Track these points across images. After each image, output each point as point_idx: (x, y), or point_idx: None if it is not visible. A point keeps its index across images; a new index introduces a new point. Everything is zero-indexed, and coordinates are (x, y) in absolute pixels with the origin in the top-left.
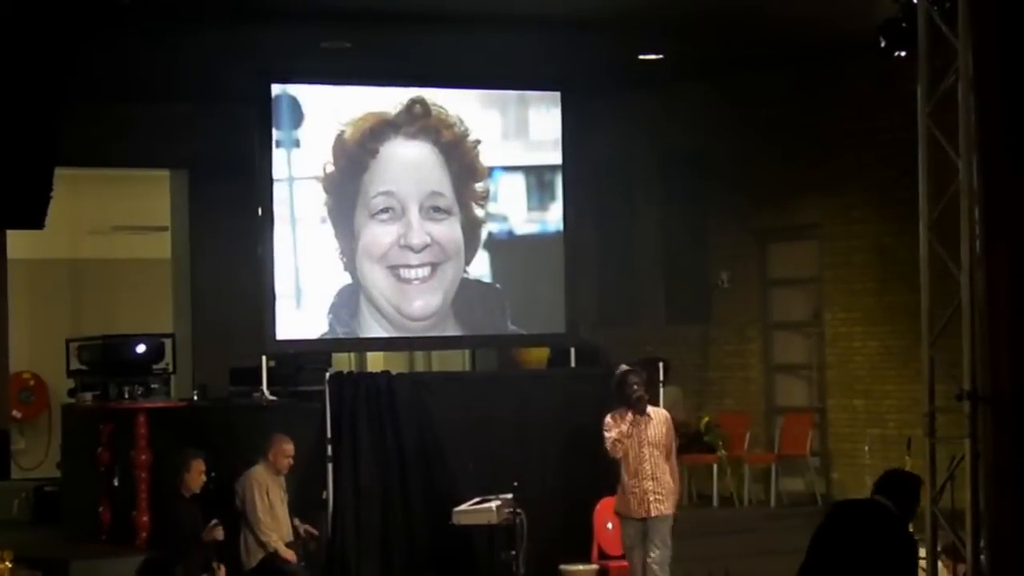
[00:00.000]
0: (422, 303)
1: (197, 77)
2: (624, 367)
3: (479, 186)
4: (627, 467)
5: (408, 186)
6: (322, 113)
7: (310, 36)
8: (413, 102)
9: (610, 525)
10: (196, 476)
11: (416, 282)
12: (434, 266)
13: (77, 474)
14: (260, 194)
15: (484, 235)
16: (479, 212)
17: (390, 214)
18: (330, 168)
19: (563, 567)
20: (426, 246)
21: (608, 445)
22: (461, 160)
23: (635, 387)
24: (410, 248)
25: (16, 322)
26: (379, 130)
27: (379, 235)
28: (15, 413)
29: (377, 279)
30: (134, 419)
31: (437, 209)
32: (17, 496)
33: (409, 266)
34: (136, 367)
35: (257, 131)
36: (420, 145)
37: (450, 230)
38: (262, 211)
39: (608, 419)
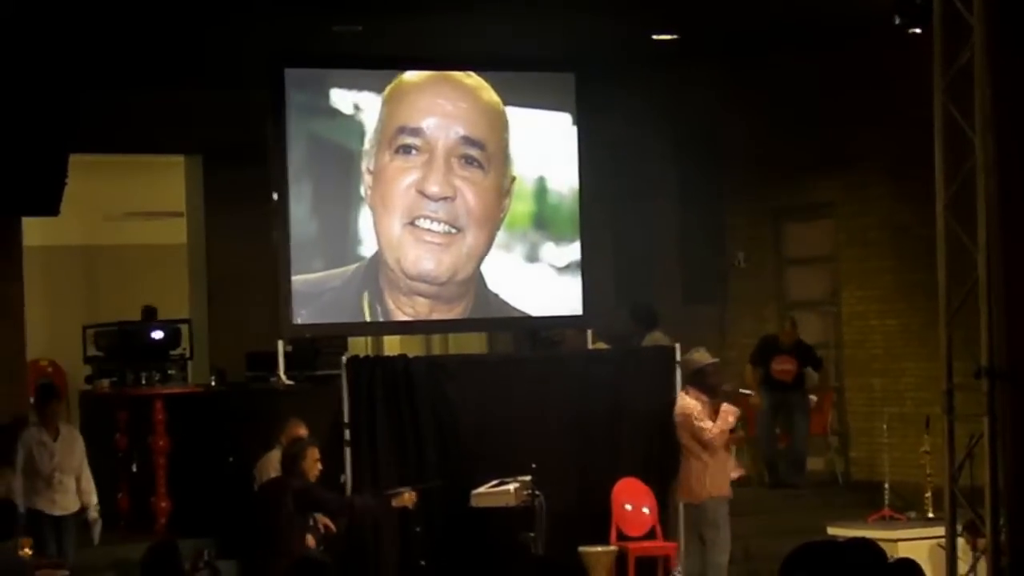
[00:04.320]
0: (436, 262)
1: (211, 62)
2: (706, 356)
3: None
4: (714, 452)
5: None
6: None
7: (322, 20)
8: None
9: (628, 506)
10: (312, 463)
11: (433, 236)
12: (455, 226)
13: (95, 460)
14: (274, 178)
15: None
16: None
17: (413, 154)
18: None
19: (582, 549)
20: (446, 198)
21: (717, 435)
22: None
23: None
24: (428, 196)
25: (32, 309)
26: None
27: (398, 175)
28: (33, 400)
29: (392, 234)
30: (151, 405)
31: (469, 160)
32: None
33: (427, 218)
34: (153, 353)
35: (271, 115)
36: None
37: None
38: (277, 196)
39: (695, 405)
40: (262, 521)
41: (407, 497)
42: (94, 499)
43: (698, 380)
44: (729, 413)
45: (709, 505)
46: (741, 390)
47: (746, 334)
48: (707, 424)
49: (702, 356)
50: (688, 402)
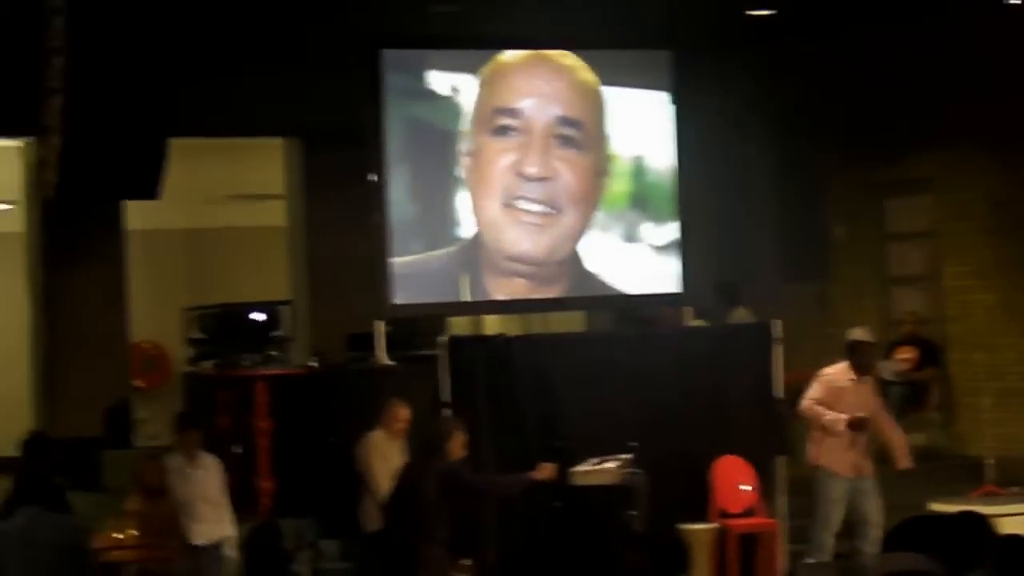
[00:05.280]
0: (533, 243)
1: (309, 46)
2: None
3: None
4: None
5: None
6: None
7: (419, 1)
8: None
9: (729, 484)
10: (459, 447)
11: (531, 217)
12: (553, 206)
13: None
14: (373, 160)
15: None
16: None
17: (511, 135)
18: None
19: (682, 526)
20: (543, 179)
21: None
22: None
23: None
24: (526, 177)
25: (135, 292)
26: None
27: (495, 156)
28: (137, 382)
29: (490, 214)
30: (253, 386)
31: (566, 140)
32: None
33: (525, 198)
34: (254, 334)
35: (369, 97)
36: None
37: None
38: (376, 177)
39: (824, 384)
40: (405, 506)
41: (547, 469)
42: (231, 531)
43: (848, 354)
44: (839, 423)
45: (816, 475)
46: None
47: (847, 310)
48: (820, 411)
49: (857, 332)
50: (824, 375)
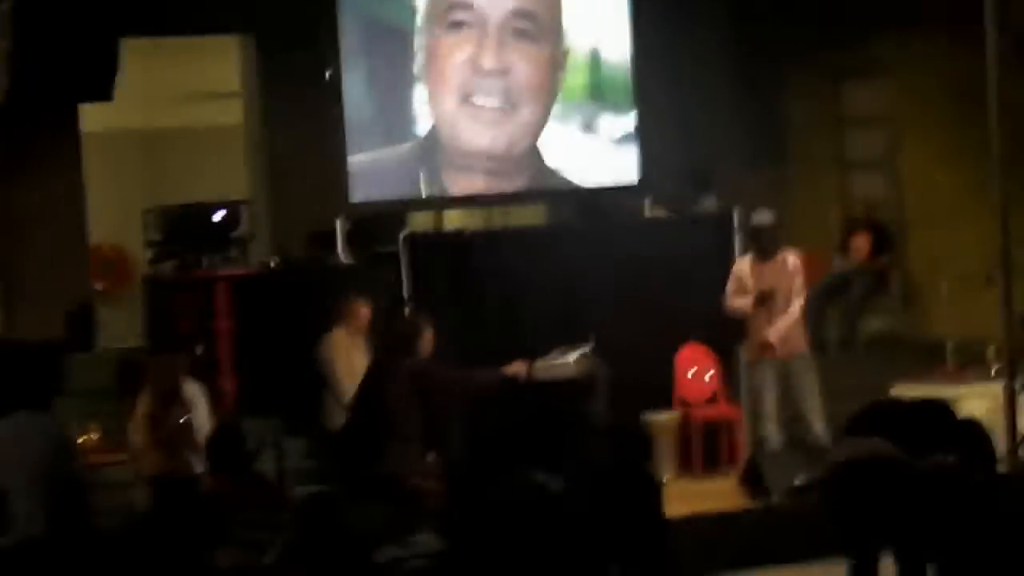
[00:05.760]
0: (491, 138)
1: None
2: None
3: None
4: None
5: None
6: None
7: None
8: None
9: (691, 372)
10: (427, 342)
11: (488, 112)
12: (510, 101)
13: (160, 345)
14: (329, 57)
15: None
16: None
17: (465, 30)
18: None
19: (645, 417)
20: (500, 73)
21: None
22: None
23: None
24: (482, 72)
25: (93, 195)
26: None
27: (450, 52)
28: (97, 286)
29: (447, 110)
30: (214, 287)
31: (521, 33)
32: (102, 367)
33: (482, 93)
34: (214, 235)
35: None
36: None
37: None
38: (330, 73)
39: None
40: (373, 404)
41: (519, 365)
42: None
43: (750, 239)
44: (747, 305)
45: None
46: None
47: (805, 195)
48: (732, 300)
49: (758, 217)
50: (733, 270)
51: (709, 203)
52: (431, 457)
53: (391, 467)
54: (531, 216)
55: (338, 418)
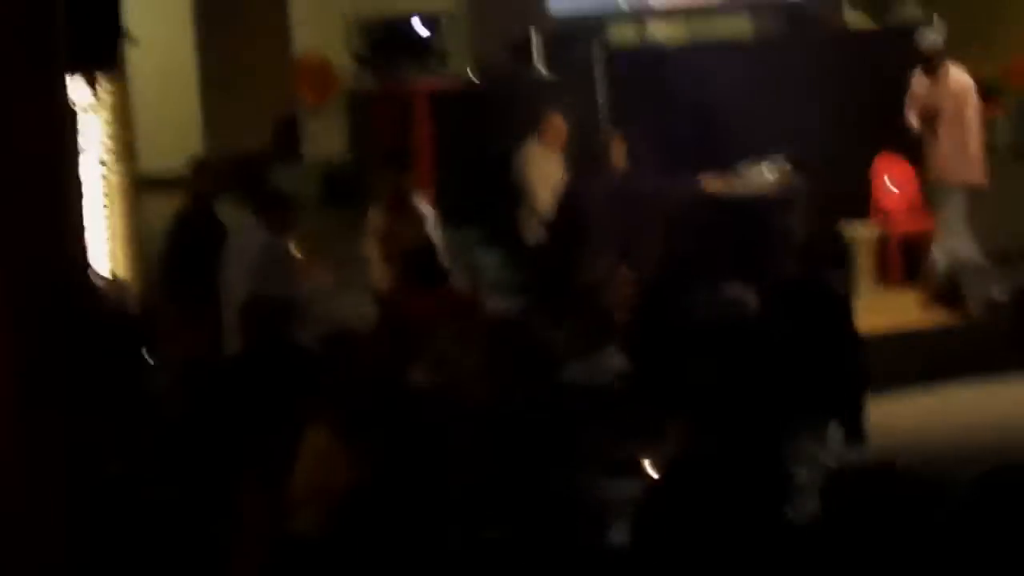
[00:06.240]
0: None
1: None
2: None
3: None
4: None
5: None
6: None
7: None
8: None
9: (888, 183)
10: (620, 156)
11: None
12: None
13: (363, 156)
14: None
15: None
16: None
17: None
18: None
19: (844, 225)
20: None
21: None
22: None
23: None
24: None
25: (296, 3)
26: None
27: None
28: (303, 96)
29: None
30: (413, 100)
31: None
32: (308, 178)
33: None
34: (415, 47)
35: None
36: None
37: None
38: None
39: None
40: (571, 217)
41: (716, 182)
42: None
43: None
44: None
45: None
46: None
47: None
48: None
49: (928, 37)
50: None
51: (911, 11)
52: (625, 270)
53: (584, 278)
54: (737, 28)
55: (533, 231)
